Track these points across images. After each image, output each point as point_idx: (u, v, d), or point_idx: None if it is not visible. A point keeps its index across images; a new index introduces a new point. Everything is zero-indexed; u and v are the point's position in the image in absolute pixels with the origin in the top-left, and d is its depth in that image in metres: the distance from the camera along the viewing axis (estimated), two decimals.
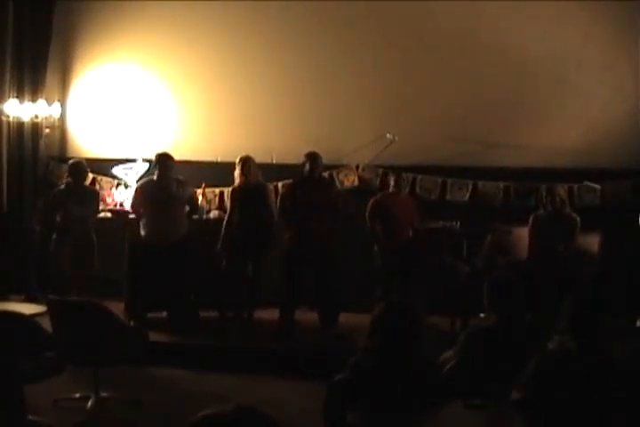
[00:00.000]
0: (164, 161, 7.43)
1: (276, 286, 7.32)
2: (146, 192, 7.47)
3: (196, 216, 8.00)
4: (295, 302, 7.26)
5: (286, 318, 7.23)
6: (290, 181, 7.62)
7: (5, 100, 8.49)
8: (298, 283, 7.24)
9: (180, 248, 7.36)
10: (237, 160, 7.49)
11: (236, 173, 7.48)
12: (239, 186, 7.50)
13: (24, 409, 4.70)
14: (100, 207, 8.10)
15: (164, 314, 7.54)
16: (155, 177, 7.53)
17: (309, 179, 7.25)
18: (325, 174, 8.40)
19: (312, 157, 7.23)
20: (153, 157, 7.60)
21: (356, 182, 8.43)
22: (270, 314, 7.37)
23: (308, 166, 7.20)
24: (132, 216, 7.82)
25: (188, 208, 7.62)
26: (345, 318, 7.28)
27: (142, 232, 7.44)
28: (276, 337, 7.13)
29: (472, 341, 4.35)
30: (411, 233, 7.45)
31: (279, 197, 7.59)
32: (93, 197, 7.90)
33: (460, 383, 4.01)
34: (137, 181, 8.05)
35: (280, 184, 8.18)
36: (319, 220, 7.08)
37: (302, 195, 7.19)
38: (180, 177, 7.56)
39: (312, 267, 7.21)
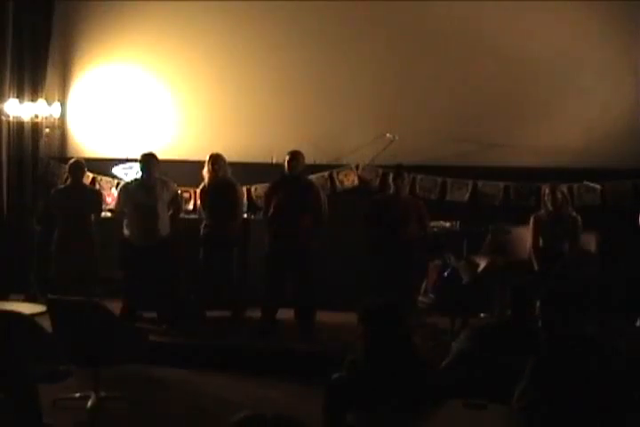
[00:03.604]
0: (148, 161, 7.45)
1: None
2: (129, 192, 7.49)
3: (193, 215, 8.06)
4: (277, 301, 7.27)
5: (268, 317, 7.25)
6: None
7: (5, 100, 8.50)
8: (280, 283, 7.25)
9: (163, 248, 7.38)
10: (207, 158, 7.57)
11: (205, 170, 7.56)
12: (208, 183, 7.58)
13: (39, 410, 4.72)
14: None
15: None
16: (139, 177, 7.58)
17: (289, 178, 7.23)
18: (325, 174, 8.42)
19: (291, 156, 7.22)
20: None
21: (356, 182, 8.43)
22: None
23: (286, 165, 7.21)
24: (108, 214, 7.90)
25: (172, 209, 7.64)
26: (343, 317, 7.27)
27: (125, 232, 7.47)
28: (256, 336, 7.14)
29: (477, 337, 4.36)
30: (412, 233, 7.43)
31: (263, 197, 7.67)
32: (94, 196, 7.91)
33: (457, 379, 4.03)
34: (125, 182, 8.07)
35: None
36: (298, 220, 7.08)
37: (283, 195, 7.19)
38: (164, 177, 7.58)
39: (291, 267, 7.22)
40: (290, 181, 7.21)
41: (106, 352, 5.47)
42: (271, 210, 7.22)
